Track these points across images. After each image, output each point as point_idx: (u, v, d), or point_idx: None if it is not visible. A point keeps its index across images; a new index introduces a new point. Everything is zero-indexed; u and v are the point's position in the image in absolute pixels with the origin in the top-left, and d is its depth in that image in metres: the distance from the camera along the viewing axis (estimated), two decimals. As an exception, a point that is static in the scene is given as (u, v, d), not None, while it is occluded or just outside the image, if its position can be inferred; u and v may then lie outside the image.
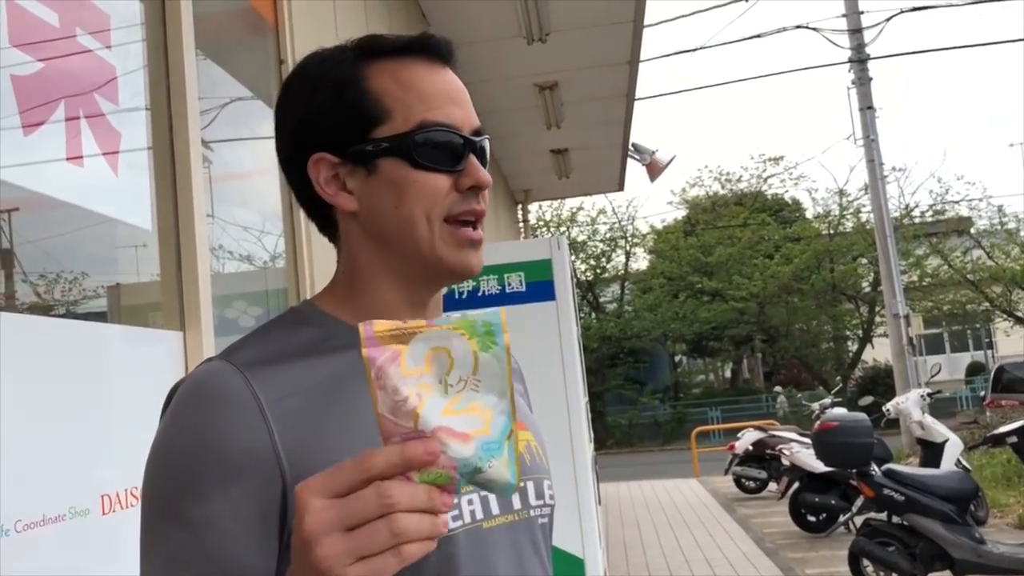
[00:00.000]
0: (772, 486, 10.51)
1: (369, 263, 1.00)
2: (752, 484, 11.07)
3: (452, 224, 0.97)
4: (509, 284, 3.84)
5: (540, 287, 3.84)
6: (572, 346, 3.83)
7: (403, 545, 0.68)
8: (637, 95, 7.28)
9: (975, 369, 27.47)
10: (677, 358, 30.09)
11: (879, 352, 24.21)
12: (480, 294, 3.83)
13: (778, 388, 24.46)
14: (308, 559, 0.68)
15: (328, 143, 0.98)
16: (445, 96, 0.99)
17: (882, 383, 21.01)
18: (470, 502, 0.94)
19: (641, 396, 25.99)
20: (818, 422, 6.73)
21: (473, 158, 0.99)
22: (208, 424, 0.87)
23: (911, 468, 6.61)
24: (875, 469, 6.11)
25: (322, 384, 0.92)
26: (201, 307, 2.41)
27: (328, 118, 0.98)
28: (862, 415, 6.64)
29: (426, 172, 0.97)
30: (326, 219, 1.03)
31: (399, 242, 0.98)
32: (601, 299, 28.13)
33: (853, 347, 26.49)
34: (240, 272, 3.34)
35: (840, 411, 8.20)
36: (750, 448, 10.70)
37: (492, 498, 0.97)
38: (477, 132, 1.00)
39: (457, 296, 3.83)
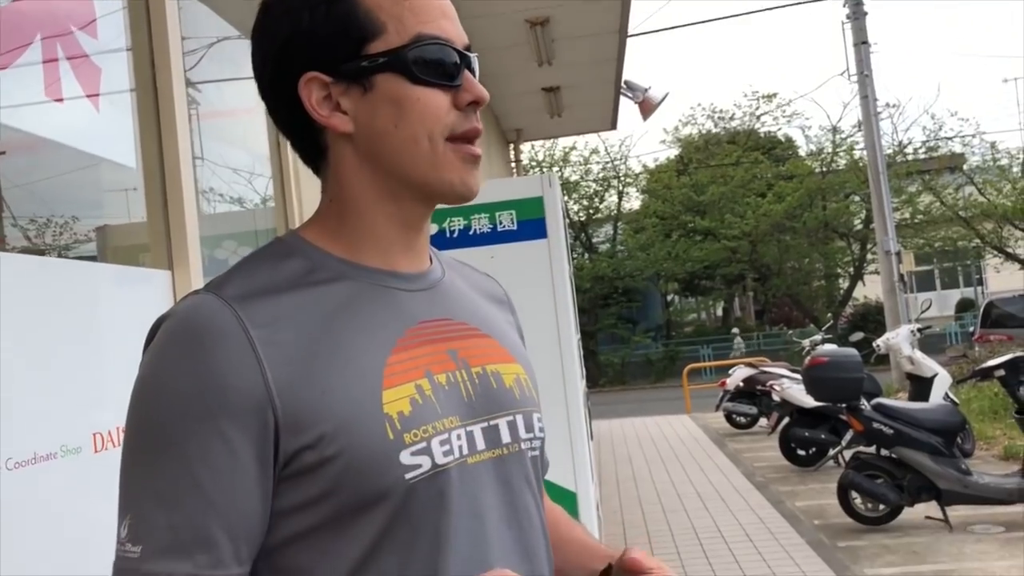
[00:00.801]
0: (762, 422, 10.64)
1: (362, 188, 0.97)
2: (743, 420, 11.20)
3: (455, 142, 0.95)
4: (500, 222, 3.82)
5: (532, 225, 3.82)
6: (564, 283, 3.83)
7: None
8: (630, 31, 7.17)
9: (965, 306, 27.64)
10: (669, 297, 30.22)
11: (870, 290, 24.35)
12: (472, 232, 3.82)
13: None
14: None
15: (318, 62, 0.94)
16: (437, 9, 0.96)
17: (873, 320, 21.13)
18: (458, 437, 0.93)
19: (633, 335, 26.14)
20: (808, 357, 6.79)
21: (469, 73, 0.97)
22: (198, 359, 0.85)
23: (900, 402, 6.70)
24: (865, 404, 6.18)
25: (312, 319, 0.91)
26: (189, 247, 2.40)
27: (318, 35, 0.94)
28: (852, 350, 6.70)
29: (426, 88, 0.94)
30: (312, 147, 0.99)
31: (398, 163, 0.95)
32: (594, 239, 28.11)
33: (844, 285, 26.64)
34: (229, 212, 3.32)
35: (831, 347, 8.27)
36: (741, 384, 10.81)
37: (477, 433, 0.96)
38: (467, 49, 0.98)
39: (448, 235, 3.82)
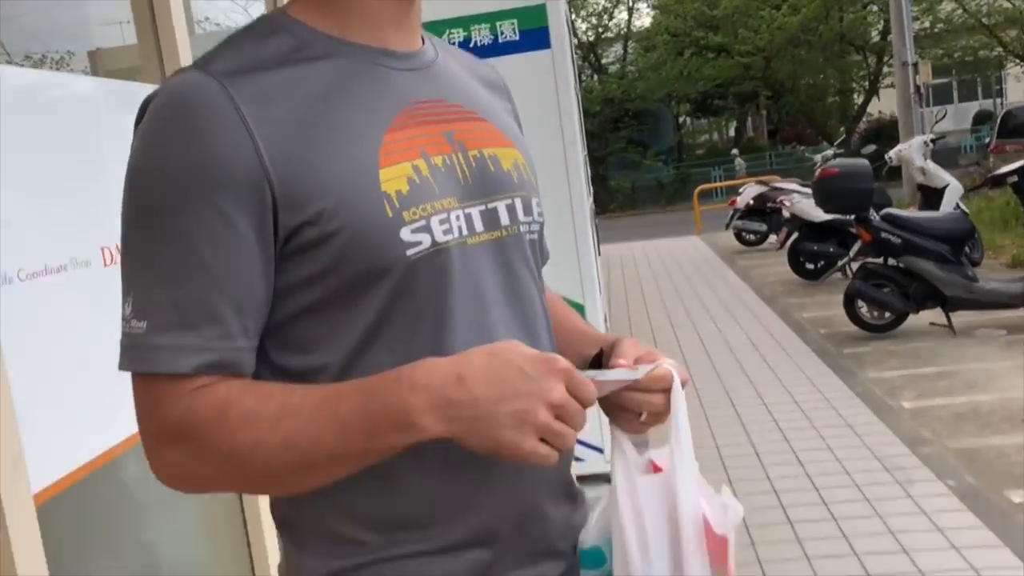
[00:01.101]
0: (772, 238, 10.68)
1: None
2: (752, 237, 11.25)
3: None
4: (502, 33, 3.70)
5: (535, 35, 3.70)
6: (569, 95, 3.75)
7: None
8: None
9: (983, 118, 27.05)
10: (681, 119, 29.70)
11: (885, 105, 23.80)
12: (472, 44, 3.71)
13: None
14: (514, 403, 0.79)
15: None
16: None
17: (887, 136, 20.78)
18: (457, 218, 0.93)
19: (644, 159, 25.88)
20: (819, 169, 6.72)
21: None
22: (188, 134, 0.84)
23: (908, 212, 6.68)
24: (874, 214, 6.18)
25: (302, 97, 0.89)
26: (181, 64, 2.35)
27: None
28: (863, 161, 6.63)
29: None
30: None
31: None
32: (603, 60, 27.36)
33: (859, 100, 26.04)
34: (221, 32, 3.23)
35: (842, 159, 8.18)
36: (751, 202, 10.79)
37: (475, 215, 0.96)
38: None
39: (448, 48, 3.71)
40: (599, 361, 1.02)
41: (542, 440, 0.80)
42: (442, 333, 0.90)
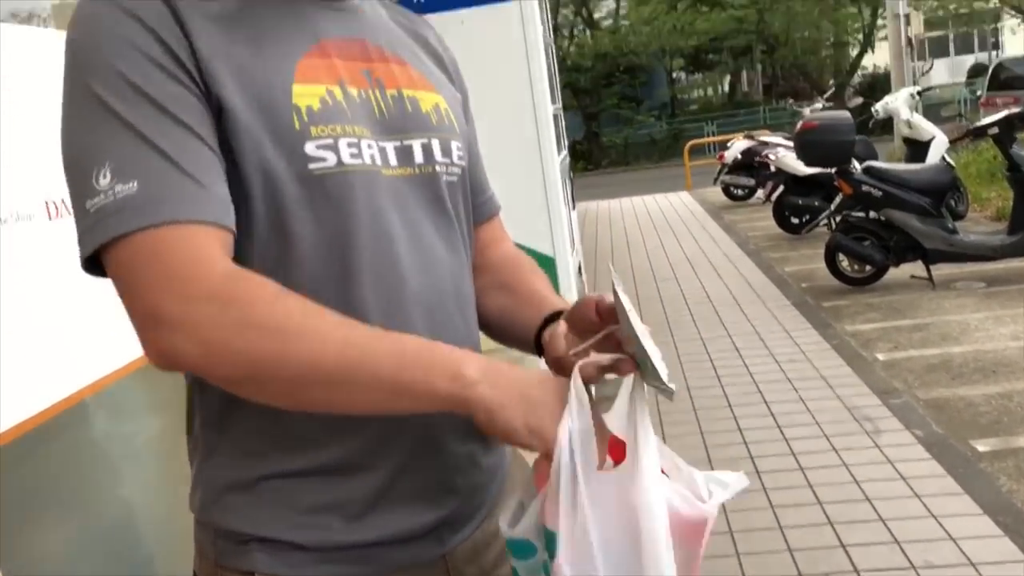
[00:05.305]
0: (759, 193, 10.66)
1: None
2: (740, 192, 11.23)
3: None
4: (468, -16, 3.65)
5: (502, -14, 3.66)
6: (537, 50, 3.71)
7: None
8: None
9: (978, 71, 26.76)
10: (674, 74, 29.43)
11: (880, 58, 23.61)
12: (438, -4, 3.66)
13: (791, 101, 24.00)
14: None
15: None
16: None
17: (881, 88, 20.63)
18: (369, 147, 0.94)
19: (637, 115, 25.71)
20: (800, 122, 6.69)
21: None
22: (125, 6, 0.85)
23: (890, 164, 6.66)
24: (856, 166, 6.16)
25: (225, 10, 0.90)
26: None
27: None
28: (844, 113, 6.58)
29: None
30: None
31: None
32: (595, 15, 27.05)
33: (854, 53, 25.81)
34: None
35: (824, 112, 8.13)
36: (739, 157, 10.75)
37: (390, 149, 0.97)
38: None
39: (416, 0, 3.67)
40: (542, 330, 1.03)
41: None
42: (347, 255, 0.91)
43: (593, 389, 0.89)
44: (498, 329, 1.14)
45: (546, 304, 1.08)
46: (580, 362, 0.88)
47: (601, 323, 0.93)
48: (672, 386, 0.85)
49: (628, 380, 0.89)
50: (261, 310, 0.80)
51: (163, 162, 0.81)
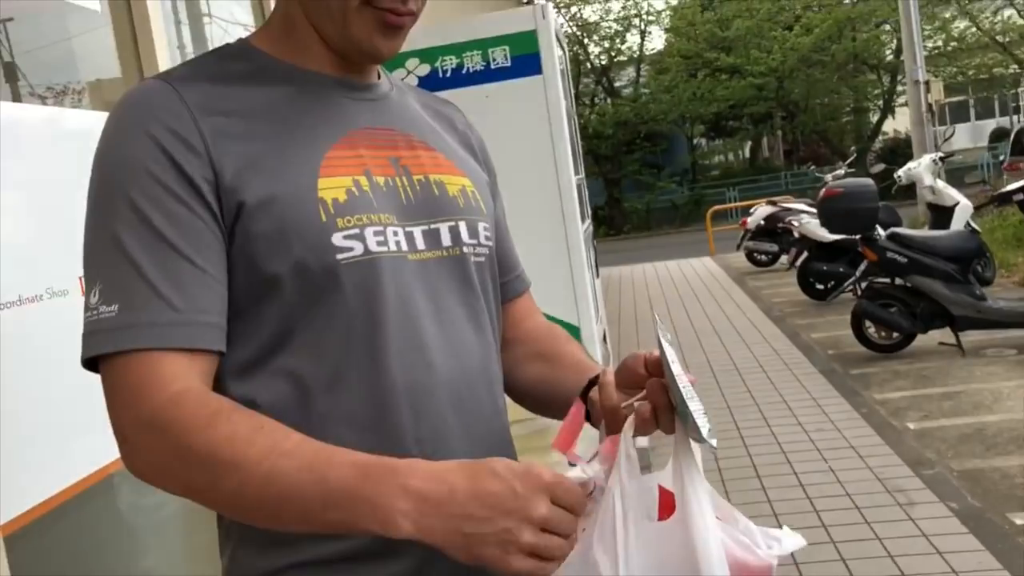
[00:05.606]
0: (783, 259, 10.64)
1: (300, 18, 1.00)
2: (763, 258, 11.21)
3: (374, 8, 0.94)
4: (494, 59, 3.73)
5: (526, 61, 3.73)
6: (561, 120, 3.77)
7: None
8: None
9: (999, 136, 26.83)
10: (695, 140, 29.67)
11: (900, 123, 23.71)
12: (464, 71, 3.74)
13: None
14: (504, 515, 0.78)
15: None
16: None
17: (902, 154, 20.69)
18: (395, 234, 0.96)
19: (658, 181, 25.87)
20: (824, 189, 6.69)
21: None
22: (142, 125, 0.89)
23: (915, 231, 6.63)
24: (880, 233, 6.14)
25: (251, 110, 0.94)
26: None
27: None
28: (867, 180, 6.58)
29: None
30: None
31: (313, 13, 0.98)
32: (616, 83, 27.43)
33: (874, 119, 25.94)
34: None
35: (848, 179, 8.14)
36: (762, 223, 10.75)
37: (417, 234, 0.99)
38: None
39: (441, 75, 3.75)
40: (588, 392, 1.02)
41: (533, 554, 0.79)
42: (375, 340, 0.93)
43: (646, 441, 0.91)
44: (537, 397, 1.14)
45: (586, 368, 1.08)
46: (629, 418, 0.90)
47: (649, 377, 0.93)
48: (712, 441, 0.85)
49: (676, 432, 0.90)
50: (192, 440, 0.82)
51: (146, 289, 0.86)
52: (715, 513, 0.85)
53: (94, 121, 2.13)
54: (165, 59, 2.41)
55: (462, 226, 1.03)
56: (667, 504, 0.88)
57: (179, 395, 0.84)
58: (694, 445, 0.88)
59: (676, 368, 0.86)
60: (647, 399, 0.91)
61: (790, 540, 0.88)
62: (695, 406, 0.85)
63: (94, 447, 1.80)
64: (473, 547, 0.78)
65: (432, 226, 1.00)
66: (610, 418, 0.95)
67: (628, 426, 0.89)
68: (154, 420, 0.83)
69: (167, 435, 0.83)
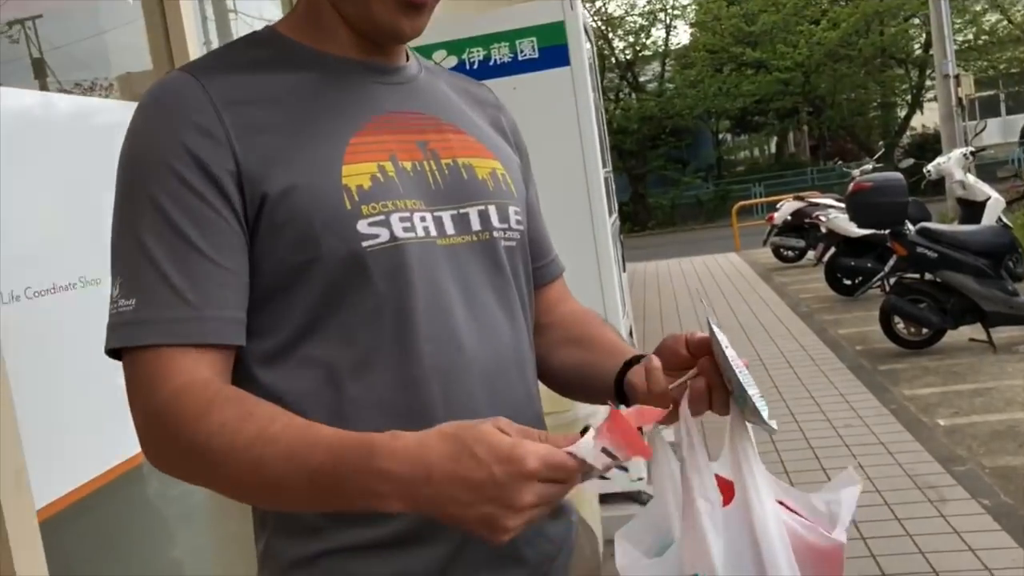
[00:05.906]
0: (810, 254, 10.55)
1: (325, 2, 0.99)
2: (790, 253, 11.12)
3: None
4: (522, 51, 3.71)
5: (554, 52, 3.70)
6: (589, 113, 3.74)
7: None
8: None
9: (1031, 130, 26.47)
10: (720, 136, 29.49)
11: (928, 118, 23.44)
12: (492, 63, 3.72)
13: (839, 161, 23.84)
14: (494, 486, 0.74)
15: None
16: None
17: (931, 149, 20.46)
18: (423, 219, 0.95)
19: (684, 176, 25.73)
20: (852, 184, 6.63)
21: None
22: (165, 120, 0.90)
23: (945, 225, 6.55)
24: (909, 228, 6.07)
25: (274, 97, 0.94)
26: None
27: None
28: (896, 174, 6.51)
29: None
30: None
31: None
32: (641, 78, 27.31)
33: (902, 114, 25.67)
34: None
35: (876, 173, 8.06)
36: (789, 218, 10.68)
37: (446, 218, 0.98)
38: None
39: (469, 67, 3.73)
40: (623, 377, 1.02)
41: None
42: (405, 325, 0.92)
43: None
44: (572, 381, 1.13)
45: (622, 351, 1.06)
46: (684, 395, 0.89)
47: (692, 359, 0.92)
48: (772, 423, 0.85)
49: (729, 418, 0.89)
50: (186, 432, 0.84)
51: (162, 285, 0.86)
52: (778, 496, 0.85)
53: (125, 111, 2.15)
54: (196, 51, 2.42)
55: (492, 210, 1.02)
56: (726, 492, 0.87)
57: (181, 388, 0.85)
58: (747, 430, 0.87)
59: (730, 352, 0.85)
60: (700, 377, 0.90)
61: (847, 491, 0.88)
62: (753, 391, 0.85)
63: (126, 434, 1.81)
64: (461, 525, 0.77)
65: (461, 210, 0.99)
66: (656, 403, 0.92)
67: (685, 405, 0.88)
68: (158, 413, 0.85)
69: (168, 428, 0.85)
